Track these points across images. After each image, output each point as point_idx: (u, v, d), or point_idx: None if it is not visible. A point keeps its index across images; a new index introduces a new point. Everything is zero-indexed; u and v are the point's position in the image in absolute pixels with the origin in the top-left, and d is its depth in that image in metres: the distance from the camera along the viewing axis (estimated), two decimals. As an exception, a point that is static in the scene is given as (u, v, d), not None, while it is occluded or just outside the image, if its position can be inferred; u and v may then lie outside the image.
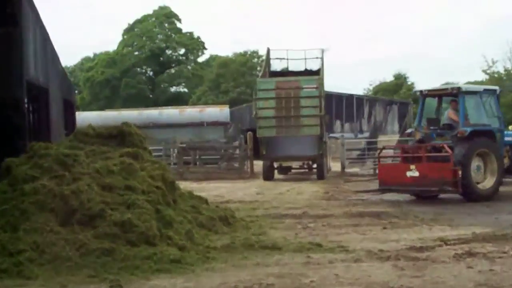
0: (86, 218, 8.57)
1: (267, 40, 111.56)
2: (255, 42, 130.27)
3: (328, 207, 14.71)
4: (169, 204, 9.85)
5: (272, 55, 27.90)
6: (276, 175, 25.67)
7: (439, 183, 14.81)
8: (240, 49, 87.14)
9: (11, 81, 11.75)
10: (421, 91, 16.91)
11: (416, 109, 25.64)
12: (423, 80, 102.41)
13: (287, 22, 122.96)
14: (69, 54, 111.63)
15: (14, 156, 9.99)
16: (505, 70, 52.83)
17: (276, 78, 25.61)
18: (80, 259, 7.78)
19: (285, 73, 27.76)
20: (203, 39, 78.04)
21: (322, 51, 27.15)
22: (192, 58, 79.02)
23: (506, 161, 16.33)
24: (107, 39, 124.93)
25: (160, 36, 76.47)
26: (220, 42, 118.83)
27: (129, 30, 76.39)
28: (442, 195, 16.07)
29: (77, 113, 23.19)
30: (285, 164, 25.95)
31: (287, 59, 28.09)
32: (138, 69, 76.74)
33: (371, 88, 75.11)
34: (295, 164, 26.52)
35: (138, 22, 76.12)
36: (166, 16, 76.18)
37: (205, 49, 78.74)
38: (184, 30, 77.12)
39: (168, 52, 77.69)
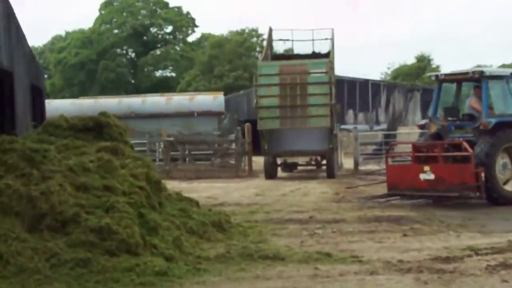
0: (57, 223, 8.56)
1: (269, 17, 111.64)
2: (254, 19, 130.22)
3: (339, 210, 14.72)
4: (154, 207, 9.85)
5: (274, 36, 27.96)
6: (280, 173, 25.71)
7: (458, 188, 14.73)
8: (236, 27, 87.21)
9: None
10: (436, 75, 16.83)
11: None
12: (450, 62, 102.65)
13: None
14: (37, 33, 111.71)
15: (-27, 151, 9.97)
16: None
17: (280, 62, 25.63)
18: (50, 271, 7.78)
19: (290, 56, 27.79)
20: (193, 15, 78.25)
21: (332, 31, 27.21)
22: (180, 37, 79.02)
23: None
24: (82, 15, 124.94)
25: (143, 12, 76.43)
26: (213, 19, 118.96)
27: (107, 5, 76.32)
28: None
29: (47, 101, 23.19)
30: (290, 160, 25.97)
31: (292, 40, 28.19)
32: (118, 50, 76.73)
33: (389, 72, 75.27)
34: (301, 161, 26.55)
35: (118, -6, 76.17)
36: (150, -12, 76.30)
37: (196, 26, 78.82)
38: (171, 5, 77.22)
39: (153, 30, 77.66)
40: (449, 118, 16.34)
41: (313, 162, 26.61)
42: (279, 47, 28.12)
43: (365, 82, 51.39)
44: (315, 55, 27.12)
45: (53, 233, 8.43)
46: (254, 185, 22.10)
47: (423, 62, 71.12)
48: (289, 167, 26.37)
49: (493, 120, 15.32)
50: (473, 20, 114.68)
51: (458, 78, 16.72)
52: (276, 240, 10.73)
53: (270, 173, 24.67)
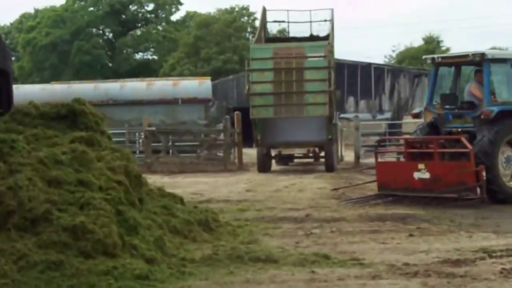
0: (26, 221, 8.54)
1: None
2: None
3: (338, 208, 14.77)
4: (133, 204, 9.86)
5: (269, 17, 27.99)
6: (274, 166, 25.74)
7: (457, 188, 14.70)
8: (225, 5, 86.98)
9: None
10: (432, 58, 16.65)
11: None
12: (462, 43, 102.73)
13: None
14: (3, 10, 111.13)
15: None
16: None
17: (274, 45, 25.65)
18: (18, 275, 7.76)
19: (285, 39, 27.80)
20: (177, -9, 77.97)
21: (332, 11, 27.24)
22: (163, 16, 78.87)
23: None
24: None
25: (122, -13, 76.24)
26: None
27: (81, -21, 76.12)
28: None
29: (14, 86, 23.07)
30: (285, 152, 26.01)
31: (288, 22, 28.23)
32: (94, 29, 76.53)
33: (394, 55, 75.33)
34: (297, 153, 26.59)
35: (93, -32, 75.92)
36: (129, -39, 76.06)
37: (180, 4, 78.78)
38: (153, -21, 76.98)
39: (132, 8, 77.50)
40: (447, 106, 16.25)
41: (310, 154, 26.61)
42: (273, 30, 28.20)
43: (367, 66, 51.45)
44: (312, 38, 27.13)
45: (21, 233, 8.40)
46: (245, 180, 22.12)
47: (432, 44, 71.17)
48: (284, 159, 26.40)
49: (496, 109, 15.17)
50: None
51: (457, 62, 16.58)
52: (268, 241, 10.74)
53: (263, 166, 24.71)
